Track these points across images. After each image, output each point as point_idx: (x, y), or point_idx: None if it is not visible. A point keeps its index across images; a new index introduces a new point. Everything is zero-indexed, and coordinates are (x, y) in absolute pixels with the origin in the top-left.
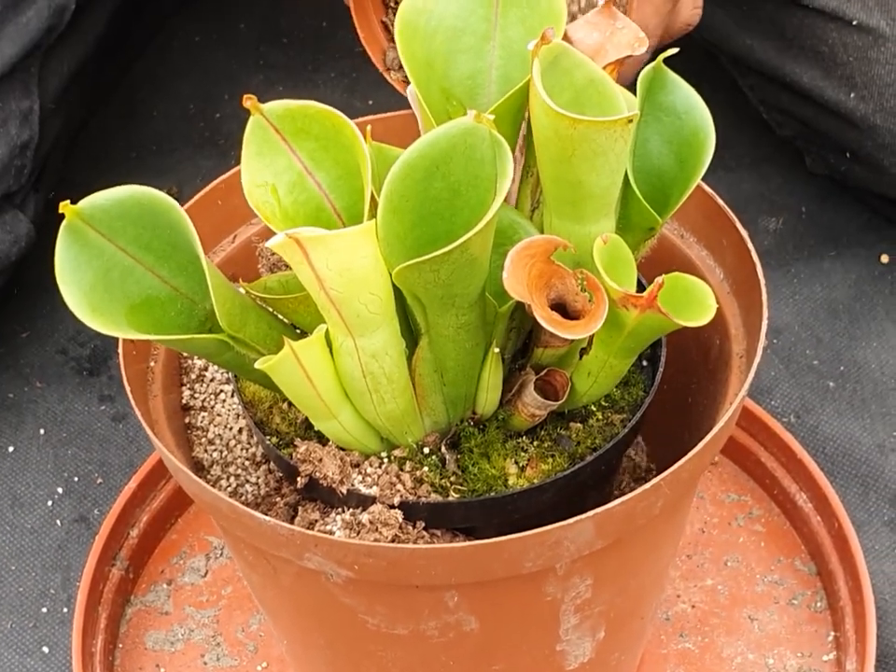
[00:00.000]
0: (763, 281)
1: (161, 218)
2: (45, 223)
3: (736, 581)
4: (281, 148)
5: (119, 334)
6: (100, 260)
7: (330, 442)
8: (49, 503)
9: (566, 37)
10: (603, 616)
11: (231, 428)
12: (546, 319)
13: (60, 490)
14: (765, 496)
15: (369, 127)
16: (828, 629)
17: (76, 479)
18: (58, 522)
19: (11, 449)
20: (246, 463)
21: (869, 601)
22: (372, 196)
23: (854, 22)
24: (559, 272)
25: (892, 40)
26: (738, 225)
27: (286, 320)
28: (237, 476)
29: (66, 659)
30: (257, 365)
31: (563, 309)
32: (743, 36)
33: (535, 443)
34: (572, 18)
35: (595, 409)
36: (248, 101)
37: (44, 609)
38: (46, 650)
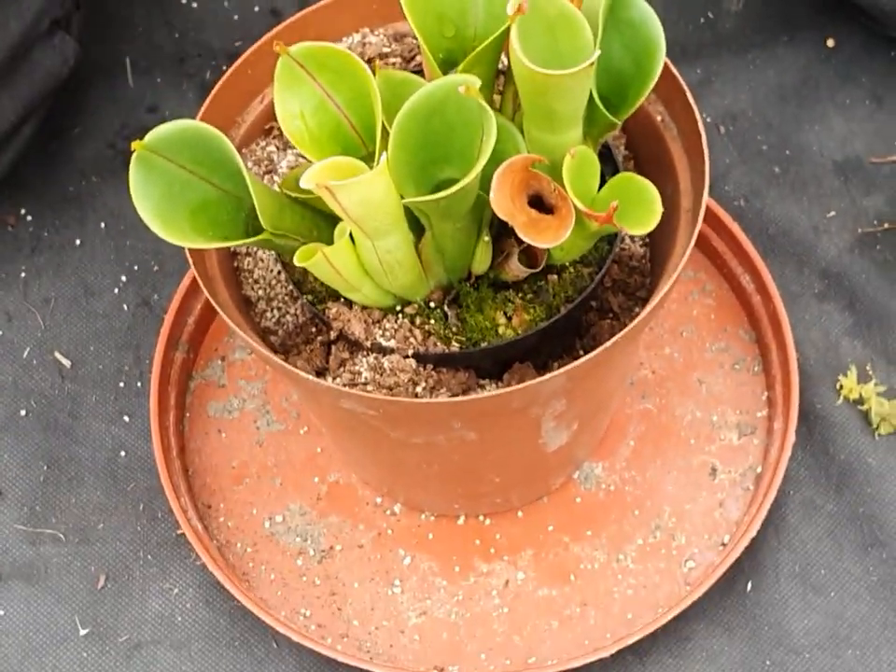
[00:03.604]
0: (706, 152)
1: (210, 143)
2: (86, 34)
3: (689, 349)
4: (305, 80)
5: (186, 244)
6: (164, 178)
7: (355, 305)
8: (116, 290)
9: None
10: (576, 417)
11: (272, 270)
12: (523, 231)
13: (124, 278)
14: (717, 273)
15: (377, 62)
16: (762, 389)
17: (136, 267)
18: (124, 306)
19: (78, 242)
20: (286, 298)
21: (793, 369)
22: (383, 125)
23: None
24: (536, 176)
25: None
26: (689, 97)
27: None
28: (279, 308)
29: (144, 425)
30: (295, 262)
31: (540, 201)
32: None
33: (519, 295)
34: None
35: (567, 264)
36: (277, 45)
37: (121, 384)
38: (126, 419)
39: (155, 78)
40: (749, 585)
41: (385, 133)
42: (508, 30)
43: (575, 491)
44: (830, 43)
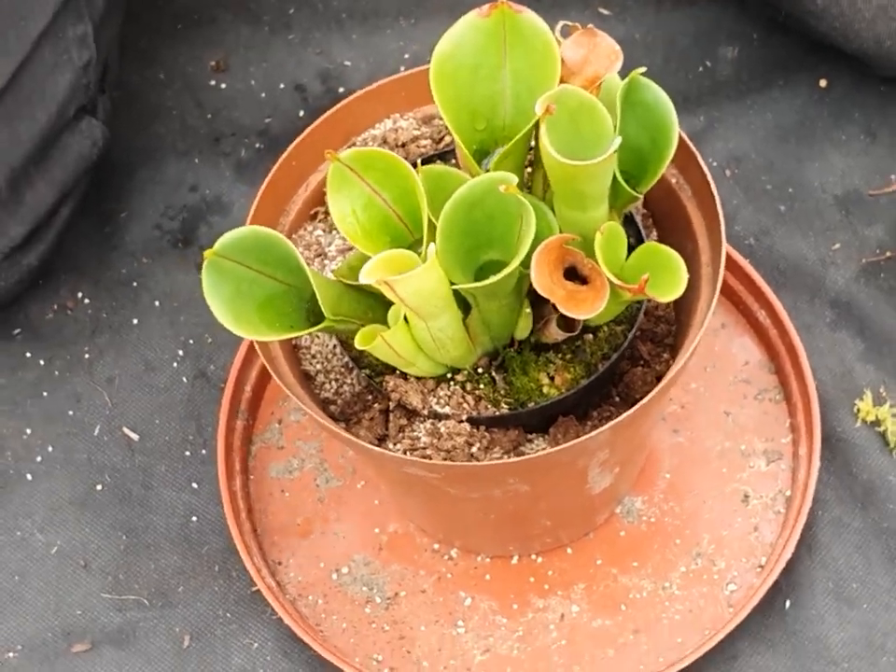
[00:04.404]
0: (721, 214)
1: (272, 244)
2: (125, 121)
3: (714, 382)
4: (354, 181)
5: (256, 337)
6: (233, 278)
7: (410, 377)
8: (175, 364)
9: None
10: (618, 462)
11: (327, 345)
12: (563, 306)
13: (180, 352)
14: (734, 309)
15: (419, 161)
16: (785, 417)
17: (191, 341)
18: (183, 379)
19: (135, 321)
20: (343, 369)
21: (813, 397)
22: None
23: None
24: (571, 252)
25: None
26: (701, 162)
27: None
28: (336, 380)
29: (212, 491)
30: (357, 346)
31: (575, 271)
32: None
33: (559, 356)
34: None
35: (602, 323)
36: (328, 153)
37: (187, 453)
38: (195, 485)
39: (193, 159)
40: (788, 603)
41: (430, 223)
42: (535, 124)
43: (619, 525)
44: (822, 83)
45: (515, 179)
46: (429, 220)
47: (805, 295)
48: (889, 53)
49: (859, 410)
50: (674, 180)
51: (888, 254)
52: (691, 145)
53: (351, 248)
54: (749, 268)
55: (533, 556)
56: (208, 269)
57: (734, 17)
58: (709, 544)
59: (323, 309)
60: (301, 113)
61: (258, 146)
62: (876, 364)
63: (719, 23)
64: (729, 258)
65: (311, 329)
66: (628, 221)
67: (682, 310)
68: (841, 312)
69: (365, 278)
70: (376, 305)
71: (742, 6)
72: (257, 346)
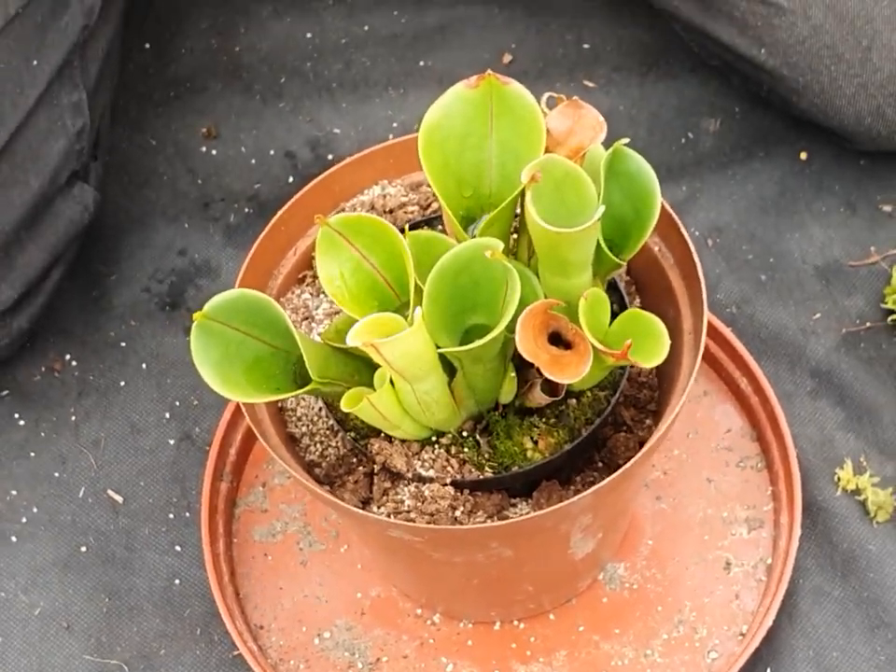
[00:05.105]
0: (702, 281)
1: (261, 307)
2: (105, 181)
3: (696, 449)
4: (343, 245)
5: (243, 399)
6: (222, 340)
7: (395, 440)
8: (160, 427)
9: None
10: (601, 527)
11: (312, 408)
12: (547, 370)
13: (167, 415)
14: (716, 377)
15: (406, 226)
16: (767, 485)
17: (177, 403)
18: (169, 441)
19: (123, 383)
20: (328, 432)
21: (794, 466)
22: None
23: None
24: (555, 317)
25: (790, 12)
26: (683, 231)
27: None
28: (321, 442)
29: (195, 554)
30: (343, 408)
31: (559, 336)
32: None
33: (543, 420)
34: None
35: (585, 388)
36: (318, 218)
37: (171, 516)
38: (178, 548)
39: (183, 223)
40: (769, 671)
41: (417, 288)
42: (521, 192)
43: (601, 591)
44: (803, 156)
45: (501, 245)
46: (416, 284)
47: (785, 364)
48: (868, 130)
49: (839, 479)
50: (657, 248)
51: (867, 324)
52: (673, 214)
53: (338, 312)
54: (731, 336)
55: (515, 622)
56: (197, 331)
57: (716, 91)
58: (691, 611)
59: (310, 371)
60: (291, 179)
61: (247, 211)
62: (856, 433)
63: (701, 97)
64: (711, 326)
65: (298, 392)
66: (612, 288)
67: (665, 376)
68: (821, 381)
69: (352, 341)
70: (363, 368)
71: (724, 80)
72: (243, 408)
